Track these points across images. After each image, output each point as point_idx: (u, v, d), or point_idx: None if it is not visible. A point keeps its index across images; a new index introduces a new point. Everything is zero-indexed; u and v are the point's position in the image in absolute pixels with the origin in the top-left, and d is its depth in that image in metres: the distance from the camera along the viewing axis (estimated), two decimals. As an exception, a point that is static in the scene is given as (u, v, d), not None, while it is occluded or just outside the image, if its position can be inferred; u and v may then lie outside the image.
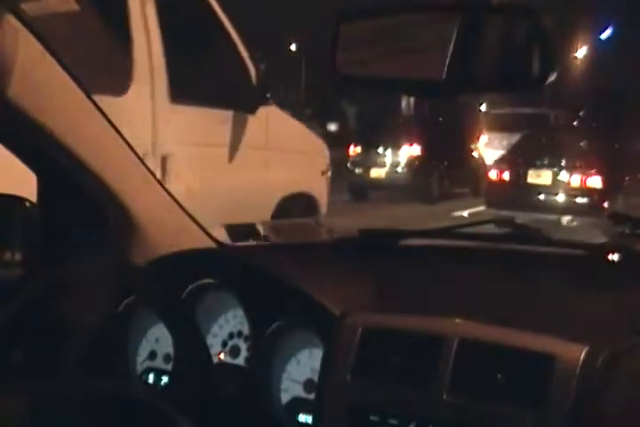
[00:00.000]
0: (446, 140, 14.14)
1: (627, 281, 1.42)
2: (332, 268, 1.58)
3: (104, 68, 3.73)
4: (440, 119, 15.45)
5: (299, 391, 1.38)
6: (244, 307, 1.46)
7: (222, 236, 2.09)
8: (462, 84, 1.10)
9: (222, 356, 1.50)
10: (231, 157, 4.59)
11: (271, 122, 4.86)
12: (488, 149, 16.54)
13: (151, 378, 1.54)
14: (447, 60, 1.06)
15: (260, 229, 2.69)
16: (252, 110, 4.65)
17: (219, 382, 1.44)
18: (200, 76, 4.25)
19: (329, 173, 5.74)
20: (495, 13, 1.07)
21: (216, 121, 4.47)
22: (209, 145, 4.45)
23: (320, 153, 5.73)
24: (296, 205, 5.11)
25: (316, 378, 1.33)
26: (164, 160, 4.07)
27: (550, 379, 1.10)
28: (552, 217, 9.01)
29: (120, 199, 1.57)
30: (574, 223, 8.91)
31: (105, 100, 3.13)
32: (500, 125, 16.81)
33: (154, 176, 1.66)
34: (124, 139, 1.58)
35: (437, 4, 1.16)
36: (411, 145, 13.63)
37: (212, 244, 1.75)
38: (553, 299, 1.33)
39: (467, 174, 14.64)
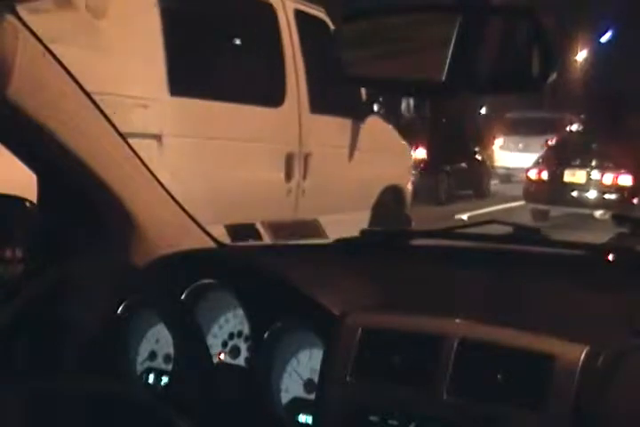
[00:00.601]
0: (449, 142, 14.33)
1: (627, 281, 1.42)
2: (332, 268, 1.58)
3: (266, 86, 5.11)
4: (443, 120, 15.69)
5: (299, 392, 1.38)
6: (244, 307, 1.46)
7: (222, 236, 2.09)
8: (462, 84, 1.10)
9: (222, 356, 1.50)
10: (350, 155, 5.83)
11: (375, 128, 6.12)
12: (503, 151, 18.08)
13: (151, 378, 1.54)
14: (447, 61, 1.06)
15: (260, 229, 2.69)
16: (363, 119, 5.92)
17: (219, 382, 1.44)
18: (328, 92, 5.37)
19: (411, 170, 7.22)
20: (495, 13, 1.07)
21: (341, 127, 5.72)
22: (335, 146, 5.71)
23: (406, 153, 7.13)
24: (391, 195, 6.38)
25: (316, 378, 1.33)
26: (306, 157, 5.25)
27: (550, 379, 1.10)
28: (585, 211, 10.70)
29: (120, 199, 1.57)
30: (606, 216, 9.86)
31: (267, 111, 4.79)
32: (515, 129, 18.03)
33: (154, 176, 1.66)
34: (124, 139, 1.58)
35: (438, 5, 1.16)
36: (416, 148, 13.68)
37: (212, 244, 1.75)
38: (553, 299, 1.33)
39: (471, 177, 14.85)
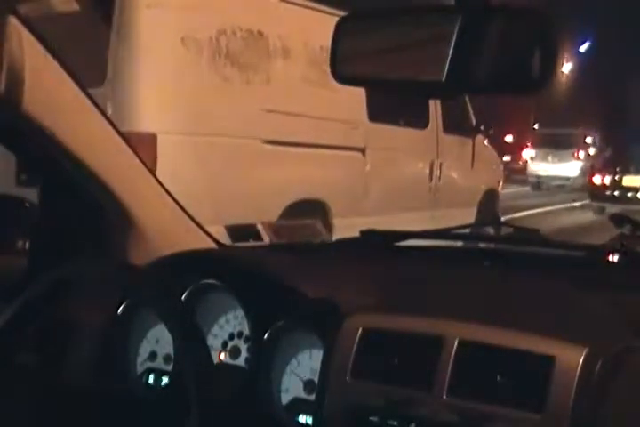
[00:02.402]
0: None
1: (627, 282, 1.42)
2: (332, 268, 1.58)
3: (417, 114, 6.80)
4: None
5: (299, 392, 1.38)
6: (244, 308, 1.46)
7: (223, 236, 2.09)
8: (462, 84, 1.10)
9: (222, 356, 1.50)
10: (464, 165, 7.55)
11: (478, 144, 7.78)
12: (534, 162, 22.21)
13: (151, 378, 1.54)
14: (447, 61, 1.06)
15: (261, 229, 2.69)
16: (472, 137, 7.63)
17: (219, 382, 1.44)
18: (451, 116, 7.23)
19: (502, 177, 8.93)
20: (495, 13, 1.07)
21: (459, 144, 7.46)
22: (455, 158, 7.37)
23: (499, 164, 8.83)
24: (489, 197, 8.06)
25: (316, 379, 1.33)
26: (440, 165, 7.00)
27: (550, 380, 1.10)
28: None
29: (121, 200, 1.57)
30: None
31: (415, 132, 6.87)
32: (547, 143, 22.12)
33: (154, 177, 1.66)
34: (124, 140, 1.58)
35: (438, 5, 1.16)
36: None
37: (212, 244, 1.75)
38: (553, 300, 1.33)
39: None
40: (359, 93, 5.65)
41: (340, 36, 1.22)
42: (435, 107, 7.05)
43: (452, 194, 7.15)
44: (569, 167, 21.84)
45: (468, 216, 7.18)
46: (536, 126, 25.55)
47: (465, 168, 7.65)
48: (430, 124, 6.99)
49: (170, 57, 4.30)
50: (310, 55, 5.25)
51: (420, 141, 6.86)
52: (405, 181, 6.61)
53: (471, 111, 7.92)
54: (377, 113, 6.00)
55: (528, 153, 23.26)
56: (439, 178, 7.09)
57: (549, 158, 22.03)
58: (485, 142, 8.30)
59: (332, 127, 5.48)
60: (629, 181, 15.40)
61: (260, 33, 4.91)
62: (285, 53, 5.13)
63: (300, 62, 5.22)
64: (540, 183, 21.73)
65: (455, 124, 7.45)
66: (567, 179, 21.59)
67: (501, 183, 8.84)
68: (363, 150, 5.94)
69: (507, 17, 1.08)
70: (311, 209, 5.18)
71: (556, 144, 21.88)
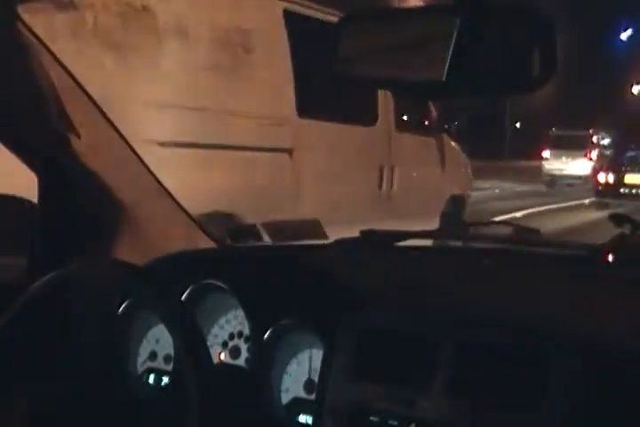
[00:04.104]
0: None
1: (627, 282, 1.42)
2: (332, 268, 1.58)
3: (362, 109, 5.79)
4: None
5: (299, 392, 1.38)
6: (244, 307, 1.46)
7: (223, 236, 2.09)
8: (462, 84, 1.10)
9: (223, 356, 1.50)
10: (425, 169, 6.59)
11: (442, 144, 6.90)
12: (549, 162, 23.77)
13: (152, 378, 1.54)
14: (447, 61, 1.06)
15: (261, 229, 2.70)
16: (435, 136, 6.75)
17: (219, 382, 1.44)
18: (408, 112, 6.44)
19: (471, 182, 7.92)
20: (495, 14, 1.07)
21: (419, 144, 6.55)
22: (412, 161, 6.36)
23: (467, 166, 7.71)
24: (455, 204, 7.08)
25: (316, 379, 1.33)
26: (393, 169, 6.01)
27: (550, 380, 1.10)
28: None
29: (121, 200, 1.57)
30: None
31: (359, 130, 5.58)
32: (560, 144, 23.55)
33: (154, 177, 1.66)
34: (124, 140, 1.58)
35: (437, 5, 1.16)
36: None
37: (212, 244, 1.75)
38: (552, 300, 1.33)
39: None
40: (284, 84, 4.87)
41: (340, 36, 1.22)
42: (385, 100, 5.99)
43: (409, 203, 6.10)
44: (581, 167, 23.06)
45: (429, 228, 6.16)
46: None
47: (426, 172, 6.63)
48: (380, 121, 5.97)
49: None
50: (219, 37, 4.35)
51: (367, 141, 5.83)
52: (347, 188, 5.50)
53: (432, 107, 6.94)
54: (309, 107, 5.05)
55: (545, 154, 25.03)
56: (392, 184, 6.05)
57: (563, 159, 23.51)
58: (453, 143, 7.39)
59: (246, 124, 4.50)
60: (631, 179, 16.69)
61: (146, 8, 4.02)
62: (181, 34, 4.18)
63: (202, 45, 4.30)
64: (553, 182, 23.00)
65: (413, 122, 6.63)
66: (579, 178, 22.62)
67: (471, 189, 7.86)
68: (289, 152, 4.93)
69: (507, 17, 1.08)
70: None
71: (569, 145, 23.33)
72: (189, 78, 4.15)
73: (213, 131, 4.33)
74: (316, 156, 5.12)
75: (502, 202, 15.26)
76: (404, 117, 6.45)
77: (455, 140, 7.53)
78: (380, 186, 5.97)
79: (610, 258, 1.54)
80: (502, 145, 35.86)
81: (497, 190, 17.78)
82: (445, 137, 7.07)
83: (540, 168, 24.46)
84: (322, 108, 5.23)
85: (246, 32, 4.51)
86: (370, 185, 5.87)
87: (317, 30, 5.13)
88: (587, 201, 16.96)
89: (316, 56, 5.18)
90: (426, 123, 6.81)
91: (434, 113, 6.92)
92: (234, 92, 4.39)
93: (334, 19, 5.25)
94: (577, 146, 23.47)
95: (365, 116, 5.84)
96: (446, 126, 7.45)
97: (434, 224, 6.28)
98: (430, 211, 6.56)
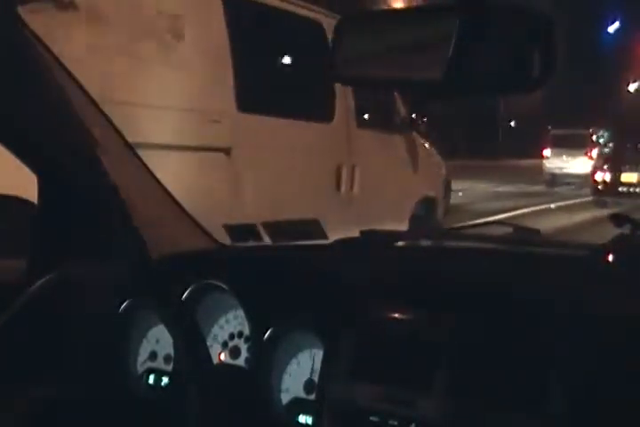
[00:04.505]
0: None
1: (627, 282, 1.42)
2: (332, 268, 1.58)
3: (317, 103, 5.34)
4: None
5: (299, 392, 1.38)
6: (244, 308, 1.46)
7: (223, 236, 2.09)
8: (462, 84, 1.10)
9: (223, 356, 1.50)
10: (391, 169, 6.03)
11: (411, 142, 6.41)
12: (550, 161, 23.95)
13: (151, 379, 1.54)
14: (447, 61, 1.06)
15: (260, 229, 2.70)
16: (402, 133, 6.22)
17: (219, 382, 1.44)
18: (371, 108, 5.92)
19: (444, 182, 7.29)
20: (495, 13, 1.07)
21: (383, 142, 6.01)
22: (376, 160, 5.85)
23: (440, 165, 7.21)
24: (426, 206, 6.58)
25: (316, 379, 1.33)
26: (353, 169, 5.51)
27: (551, 380, 1.10)
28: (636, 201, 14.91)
29: (121, 200, 1.57)
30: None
31: (313, 127, 4.95)
32: (561, 143, 23.69)
33: (154, 177, 1.66)
34: (124, 140, 1.58)
35: (437, 5, 1.16)
36: None
37: (212, 244, 1.75)
38: (552, 300, 1.33)
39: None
40: (222, 75, 4.37)
41: (339, 36, 1.22)
42: (344, 95, 5.49)
43: (373, 206, 5.54)
44: (581, 165, 23.13)
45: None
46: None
47: (393, 173, 6.07)
48: (337, 117, 5.46)
49: None
50: (142, 22, 3.92)
51: (322, 139, 5.27)
52: (296, 191, 4.92)
53: (399, 102, 6.33)
54: (252, 101, 4.55)
55: (545, 152, 25.42)
56: (352, 186, 5.52)
57: (564, 157, 23.71)
58: (423, 141, 6.88)
59: (174, 120, 4.03)
60: (627, 177, 16.89)
61: None
62: (95, 17, 3.71)
63: (120, 30, 3.82)
64: (554, 180, 23.33)
65: (377, 118, 6.08)
66: (579, 176, 22.73)
67: (443, 189, 7.24)
68: (226, 151, 4.40)
69: (506, 16, 1.08)
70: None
71: (569, 144, 23.48)
72: (103, 67, 3.62)
73: (131, 128, 3.89)
74: (259, 155, 4.60)
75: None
76: (367, 113, 5.97)
77: (426, 138, 7.06)
78: (339, 187, 5.45)
79: (610, 258, 1.54)
80: (495, 143, 35.86)
81: (460, 193, 15.26)
82: (415, 135, 6.60)
83: (534, 167, 24.79)
84: (268, 102, 4.75)
85: (176, 17, 4.07)
86: (325, 187, 5.32)
87: (262, 15, 4.78)
88: (573, 202, 16.69)
89: (261, 44, 4.91)
90: (392, 119, 6.25)
91: (401, 109, 6.36)
92: (159, 84, 3.91)
93: (280, 3, 4.96)
94: (577, 145, 23.65)
95: (320, 111, 5.35)
96: (416, 123, 6.79)
97: (402, 229, 5.52)
98: (399, 214, 6.03)
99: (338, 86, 5.37)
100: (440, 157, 7.42)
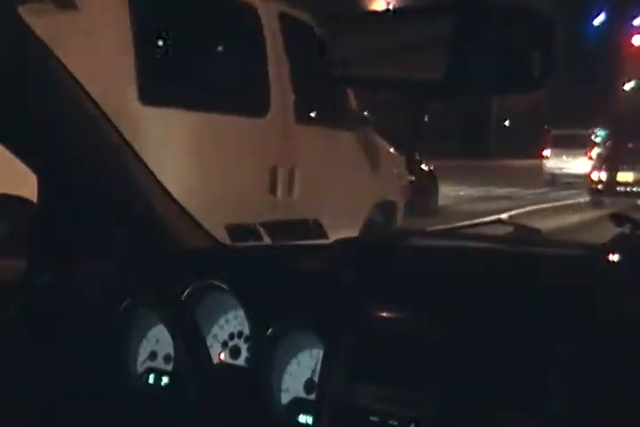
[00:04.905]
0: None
1: (627, 282, 1.42)
2: (332, 268, 1.58)
3: (254, 96, 4.66)
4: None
5: (299, 392, 1.38)
6: (244, 307, 1.46)
7: (223, 236, 2.09)
8: (461, 84, 1.10)
9: (222, 356, 1.50)
10: (340, 171, 5.33)
11: (365, 140, 5.70)
12: (550, 160, 24.61)
13: (151, 378, 1.54)
14: (446, 61, 1.06)
15: (260, 229, 2.70)
16: (354, 130, 5.50)
17: (219, 382, 1.44)
18: (314, 101, 5.14)
19: (405, 184, 6.63)
20: (494, 13, 1.07)
21: (330, 140, 5.27)
22: (321, 160, 5.16)
23: (399, 166, 6.55)
24: (383, 212, 5.91)
25: (316, 379, 1.33)
26: (292, 171, 4.80)
27: (550, 381, 1.10)
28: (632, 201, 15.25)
29: (121, 200, 1.57)
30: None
31: (241, 122, 4.03)
32: (561, 143, 24.26)
33: (154, 177, 1.66)
34: (124, 139, 1.58)
35: (437, 5, 1.16)
36: None
37: (212, 244, 1.75)
38: (552, 299, 1.33)
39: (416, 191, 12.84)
40: (119, 58, 3.68)
41: (336, 36, 1.22)
42: (281, 86, 4.86)
43: (318, 211, 4.80)
44: (581, 165, 23.41)
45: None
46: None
47: (343, 174, 5.38)
48: (272, 111, 4.78)
49: None
50: None
51: (251, 136, 4.61)
52: (220, 196, 4.22)
53: (351, 96, 5.61)
54: (161, 91, 3.93)
55: (546, 152, 26.10)
56: (291, 189, 4.82)
57: (564, 157, 24.30)
58: (381, 139, 6.13)
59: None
60: (621, 176, 17.17)
61: None
62: None
63: None
64: (554, 181, 23.89)
65: (323, 113, 5.35)
66: (579, 176, 22.91)
67: (405, 192, 6.52)
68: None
69: (505, 16, 1.08)
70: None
71: (569, 144, 24.09)
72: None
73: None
74: (168, 155, 3.85)
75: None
76: (311, 108, 5.26)
77: (384, 136, 6.25)
78: (274, 192, 4.74)
79: (610, 257, 1.54)
80: (488, 143, 35.74)
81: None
82: (371, 133, 5.87)
83: (529, 168, 25.56)
84: (181, 94, 4.11)
85: None
86: (256, 190, 4.67)
87: None
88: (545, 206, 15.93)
89: (173, 20, 4.34)
90: (342, 115, 5.50)
91: (353, 104, 5.62)
92: None
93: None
94: (577, 145, 24.12)
95: (250, 104, 4.69)
96: (371, 120, 5.88)
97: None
98: (349, 221, 5.26)
99: (273, 76, 4.82)
100: (401, 157, 6.74)
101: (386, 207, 5.96)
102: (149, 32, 4.02)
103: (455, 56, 1.05)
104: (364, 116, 5.72)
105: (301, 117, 5.02)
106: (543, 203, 16.50)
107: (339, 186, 5.30)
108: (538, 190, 21.26)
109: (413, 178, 12.87)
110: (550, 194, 20.54)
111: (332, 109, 5.42)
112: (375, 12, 1.21)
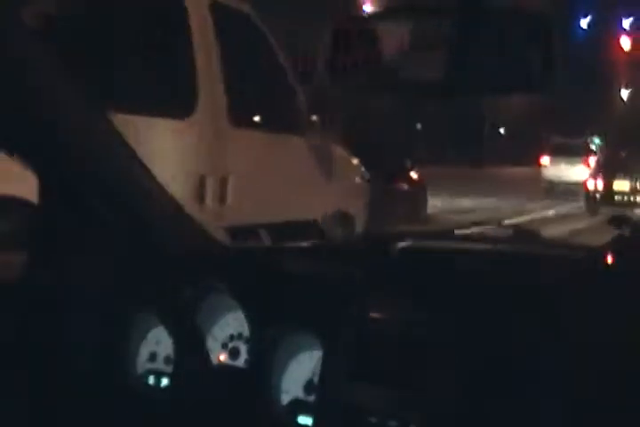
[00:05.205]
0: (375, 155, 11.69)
1: (626, 283, 1.42)
2: (332, 268, 1.58)
3: (176, 94, 4.13)
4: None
5: (299, 393, 1.38)
6: (244, 309, 1.46)
7: (223, 238, 2.09)
8: (462, 84, 1.10)
9: (222, 358, 1.50)
10: (286, 180, 4.78)
11: (316, 145, 5.13)
12: (549, 169, 24.48)
13: (151, 380, 1.54)
14: (447, 62, 1.07)
15: (261, 231, 2.70)
16: (304, 134, 4.91)
17: (219, 383, 1.44)
18: (255, 100, 4.62)
19: (364, 193, 6.02)
20: (495, 14, 1.07)
21: (272, 145, 4.72)
22: (262, 169, 4.62)
23: (360, 174, 6.04)
24: (339, 221, 5.40)
25: (316, 380, 1.33)
26: (224, 180, 4.28)
27: (550, 380, 1.10)
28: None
29: (121, 200, 1.57)
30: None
31: (168, 122, 3.49)
32: (559, 151, 24.29)
33: (154, 177, 1.66)
34: (124, 140, 1.58)
35: (437, 6, 1.16)
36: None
37: (212, 245, 1.75)
38: (553, 300, 1.33)
39: (404, 199, 11.69)
40: None
41: (337, 37, 1.22)
42: (210, 82, 4.32)
43: (255, 221, 3.77)
44: (579, 173, 23.41)
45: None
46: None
47: (289, 183, 4.83)
48: (200, 112, 4.24)
49: None
50: None
51: (173, 140, 4.11)
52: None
53: (300, 97, 5.02)
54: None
55: (543, 160, 26.17)
56: (223, 198, 4.29)
57: (562, 165, 24.17)
58: (335, 145, 5.59)
59: None
60: (617, 185, 17.12)
61: None
62: None
63: None
64: (553, 189, 23.74)
65: (264, 114, 4.80)
66: (577, 184, 22.76)
67: (364, 204, 5.91)
68: None
69: (506, 17, 1.08)
70: None
71: (567, 152, 24.17)
72: None
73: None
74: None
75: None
76: (250, 109, 4.69)
77: (340, 141, 5.82)
78: (201, 199, 4.19)
79: (609, 260, 1.54)
80: (480, 151, 35.42)
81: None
82: (324, 138, 5.34)
83: (524, 176, 25.49)
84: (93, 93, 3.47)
85: None
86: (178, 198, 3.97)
87: None
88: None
89: (80, 12, 3.83)
90: (289, 118, 4.92)
91: (302, 106, 5.04)
92: None
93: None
94: (574, 153, 24.22)
95: (171, 102, 4.18)
96: (323, 123, 5.25)
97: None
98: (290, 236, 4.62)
99: (201, 72, 4.29)
100: (358, 164, 6.12)
101: (339, 220, 5.41)
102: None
103: (455, 56, 1.05)
104: (313, 121, 5.16)
105: (237, 119, 4.46)
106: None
107: (282, 194, 4.76)
108: (537, 204, 19.44)
109: (406, 186, 12.25)
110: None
111: (275, 111, 4.88)
112: (376, 13, 1.21)
